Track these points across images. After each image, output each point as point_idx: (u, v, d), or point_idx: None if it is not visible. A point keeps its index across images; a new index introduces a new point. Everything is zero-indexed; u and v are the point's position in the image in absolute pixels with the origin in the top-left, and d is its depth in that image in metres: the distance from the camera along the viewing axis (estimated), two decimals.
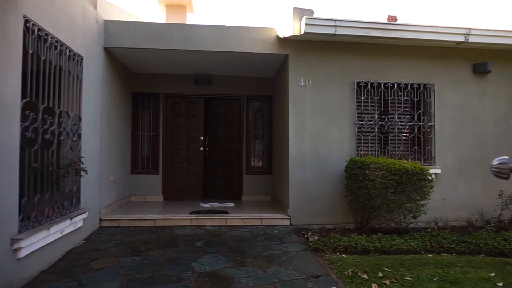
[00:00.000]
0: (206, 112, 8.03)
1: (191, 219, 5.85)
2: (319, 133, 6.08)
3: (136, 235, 5.23)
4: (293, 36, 5.79)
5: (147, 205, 6.94)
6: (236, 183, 7.99)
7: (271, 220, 5.96)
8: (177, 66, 7.19)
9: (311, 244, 4.82)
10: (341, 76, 6.17)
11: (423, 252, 4.60)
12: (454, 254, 4.57)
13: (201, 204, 7.07)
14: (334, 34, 5.72)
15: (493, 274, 3.86)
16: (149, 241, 4.92)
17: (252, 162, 8.10)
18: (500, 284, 3.58)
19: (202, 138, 7.92)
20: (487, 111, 6.56)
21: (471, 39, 6.03)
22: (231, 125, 8.10)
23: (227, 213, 6.23)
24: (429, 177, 5.03)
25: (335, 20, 5.61)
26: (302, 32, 5.65)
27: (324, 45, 6.13)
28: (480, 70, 6.45)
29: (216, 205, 7.05)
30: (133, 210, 6.38)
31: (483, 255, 4.56)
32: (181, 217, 5.86)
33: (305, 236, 5.25)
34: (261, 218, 5.96)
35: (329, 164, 6.05)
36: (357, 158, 5.59)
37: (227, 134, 8.09)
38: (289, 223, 5.96)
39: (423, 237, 4.91)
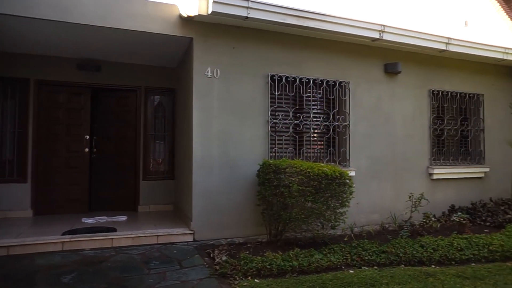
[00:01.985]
0: (93, 106, 6.58)
1: (63, 242, 4.48)
2: (228, 132, 5.23)
3: None
4: (199, 16, 4.85)
5: (5, 225, 5.28)
6: (131, 191, 6.69)
7: (171, 236, 4.91)
8: (54, 45, 5.66)
9: (217, 267, 3.93)
10: (254, 67, 5.42)
11: (343, 268, 4.06)
12: (376, 267, 4.13)
13: (84, 220, 5.66)
14: (247, 17, 4.94)
15: None
16: None
17: (152, 166, 6.89)
18: None
19: (87, 137, 6.45)
20: (397, 112, 6.47)
21: (386, 36, 5.82)
22: (125, 122, 6.78)
23: (115, 230, 4.99)
24: (348, 182, 4.54)
25: (248, 1, 4.82)
26: (209, 12, 4.73)
27: (235, 31, 5.30)
28: (391, 70, 6.32)
29: (103, 219, 5.71)
30: None
31: (403, 265, 4.22)
32: (49, 240, 4.45)
33: (211, 255, 4.34)
34: (158, 235, 4.87)
35: (240, 168, 5.24)
36: (271, 161, 4.88)
37: (121, 133, 6.75)
38: (192, 239, 4.98)
39: (343, 249, 4.39)
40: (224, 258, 4.17)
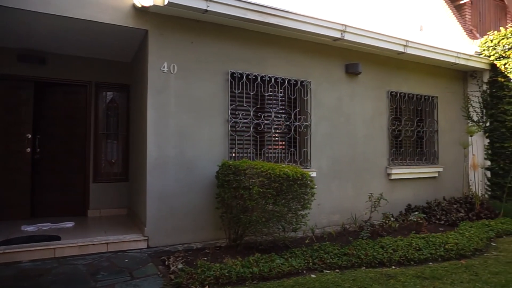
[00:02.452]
0: (37, 101, 6.00)
1: None
2: (186, 131, 4.94)
3: None
4: (154, 6, 4.52)
5: None
6: (79, 194, 6.19)
7: (122, 244, 4.54)
8: None
9: (172, 276, 3.65)
10: (214, 63, 5.17)
11: (305, 272, 3.94)
12: (337, 270, 4.05)
13: (24, 228, 5.12)
14: (206, 11, 4.68)
15: None
16: None
17: (103, 167, 6.42)
18: None
19: (29, 135, 5.87)
20: (357, 112, 6.50)
21: (347, 36, 5.79)
22: (74, 120, 6.26)
23: (59, 238, 4.54)
24: (310, 183, 4.43)
25: None
26: (166, 3, 4.43)
27: (194, 25, 5.03)
28: (351, 70, 6.32)
29: (46, 226, 5.20)
30: None
31: (364, 267, 4.17)
32: None
33: (166, 263, 4.04)
34: (108, 243, 4.49)
35: (198, 169, 4.97)
36: (231, 162, 4.65)
37: (68, 132, 6.22)
38: (146, 246, 4.64)
39: (305, 253, 4.26)
40: (180, 266, 3.89)
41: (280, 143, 5.90)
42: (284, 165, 4.59)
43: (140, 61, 5.48)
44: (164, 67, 4.84)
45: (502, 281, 3.80)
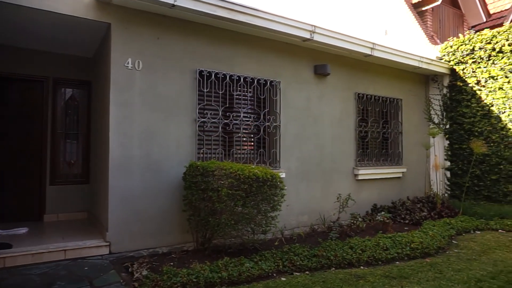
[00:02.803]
0: None
1: None
2: (152, 130, 4.72)
3: None
4: None
5: None
6: (35, 197, 5.77)
7: (82, 250, 4.26)
8: None
9: (136, 284, 3.45)
10: (182, 61, 4.99)
11: (275, 275, 3.87)
12: (307, 272, 4.01)
13: None
14: (174, 5, 4.50)
15: None
16: None
17: (62, 168, 6.03)
18: None
19: None
20: (326, 113, 6.53)
21: (316, 37, 5.81)
22: (29, 118, 5.82)
23: (10, 246, 4.18)
24: (280, 184, 4.37)
25: None
26: None
27: (161, 20, 4.82)
28: (320, 72, 6.35)
29: None
30: None
31: (333, 268, 4.16)
32: None
33: (130, 270, 3.83)
34: (66, 250, 4.19)
35: (164, 170, 4.77)
36: (199, 163, 4.50)
37: (23, 130, 5.78)
38: (108, 252, 4.38)
39: (274, 255, 4.20)
40: (144, 273, 3.70)
41: (249, 143, 5.81)
42: (253, 166, 4.49)
43: (102, 56, 5.20)
44: (128, 63, 4.60)
45: (464, 278, 3.92)
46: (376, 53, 6.68)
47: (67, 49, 5.80)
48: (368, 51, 6.58)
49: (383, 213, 5.88)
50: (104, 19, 4.52)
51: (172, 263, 3.99)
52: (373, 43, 6.59)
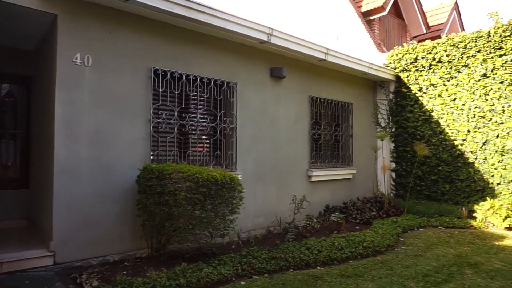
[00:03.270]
0: None
1: None
2: (103, 131, 4.44)
3: None
4: None
5: None
6: None
7: (21, 262, 3.87)
8: None
9: None
10: (136, 58, 4.75)
11: (234, 279, 3.81)
12: (266, 274, 4.00)
13: None
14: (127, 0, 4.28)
15: None
16: None
17: None
18: None
19: None
20: (281, 116, 6.60)
21: (273, 40, 5.84)
22: None
23: None
24: (239, 187, 4.32)
25: None
26: None
27: (114, 14, 4.56)
28: (276, 74, 6.40)
29: None
30: None
31: (292, 270, 4.20)
32: None
33: (78, 281, 3.56)
34: (2, 262, 3.78)
35: (116, 174, 4.51)
36: (154, 166, 4.31)
37: None
38: (52, 263, 4.02)
39: (233, 259, 4.14)
40: (95, 283, 3.46)
41: (206, 145, 5.69)
42: (211, 169, 4.41)
43: (47, 50, 4.80)
44: (77, 59, 4.29)
45: (413, 273, 4.14)
46: (330, 58, 6.89)
47: (6, 41, 5.27)
48: (322, 56, 6.76)
49: (336, 213, 6.06)
50: (50, 10, 4.16)
51: (125, 272, 3.77)
52: (327, 49, 6.79)
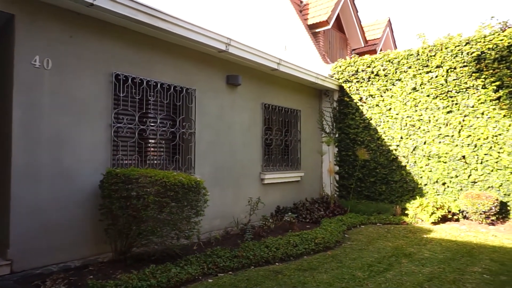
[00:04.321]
0: None
1: None
2: (63, 135, 4.37)
3: None
4: None
5: None
6: None
7: None
8: None
9: None
10: (97, 63, 4.74)
11: (201, 278, 4.02)
12: (231, 272, 4.26)
13: None
14: (92, 4, 4.29)
15: None
16: None
17: None
18: None
19: None
20: (237, 122, 6.90)
21: (231, 49, 6.12)
22: None
23: None
24: (203, 191, 4.53)
25: None
26: None
27: (76, 17, 4.52)
28: (232, 82, 6.69)
29: None
30: None
31: (253, 267, 4.51)
32: None
33: None
34: None
35: (77, 179, 4.46)
36: (118, 170, 4.36)
37: None
38: (9, 272, 3.89)
39: (199, 259, 4.34)
40: None
41: (165, 149, 5.79)
42: (175, 173, 4.55)
43: (3, 51, 4.58)
44: (35, 61, 4.20)
45: (359, 264, 4.67)
46: (282, 68, 7.35)
47: None
48: (275, 66, 7.19)
49: (289, 214, 6.49)
50: (6, 9, 4.03)
51: (91, 276, 3.79)
52: (280, 59, 7.24)
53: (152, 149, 5.50)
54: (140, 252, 4.41)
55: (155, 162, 5.51)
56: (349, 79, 9.04)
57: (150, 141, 5.46)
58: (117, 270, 3.96)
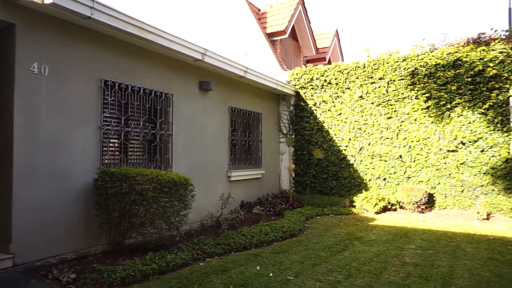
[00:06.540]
0: None
1: None
2: (59, 138, 4.71)
3: None
4: (31, 2, 4.21)
5: None
6: None
7: None
8: None
9: (73, 287, 3.65)
10: (88, 69, 5.11)
11: (192, 262, 4.62)
12: (216, 257, 4.91)
13: None
14: (89, 17, 4.68)
15: (258, 268, 4.48)
16: None
17: None
18: (271, 274, 4.24)
19: None
20: (208, 124, 7.51)
21: (206, 59, 6.73)
22: None
23: None
24: (191, 187, 5.13)
25: (94, 1, 4.60)
26: (49, 2, 4.21)
27: (72, 28, 4.86)
28: (204, 87, 7.28)
29: None
30: None
31: (233, 252, 5.18)
32: None
33: (52, 276, 3.90)
34: None
35: (72, 178, 4.82)
36: (113, 170, 4.80)
37: None
38: (11, 265, 4.19)
39: (188, 247, 4.93)
40: (72, 276, 3.87)
41: (147, 150, 6.25)
42: (163, 172, 5.09)
43: (3, 58, 4.75)
44: (34, 68, 4.50)
45: (321, 247, 5.57)
46: (248, 76, 8.08)
47: None
48: (242, 73, 7.90)
49: (258, 207, 7.27)
50: (8, 19, 4.30)
51: (94, 265, 4.22)
52: (246, 67, 7.96)
53: (135, 149, 5.94)
54: (133, 243, 4.89)
55: (138, 161, 5.96)
56: (304, 86, 10.02)
57: (133, 142, 5.89)
58: (116, 259, 4.43)
